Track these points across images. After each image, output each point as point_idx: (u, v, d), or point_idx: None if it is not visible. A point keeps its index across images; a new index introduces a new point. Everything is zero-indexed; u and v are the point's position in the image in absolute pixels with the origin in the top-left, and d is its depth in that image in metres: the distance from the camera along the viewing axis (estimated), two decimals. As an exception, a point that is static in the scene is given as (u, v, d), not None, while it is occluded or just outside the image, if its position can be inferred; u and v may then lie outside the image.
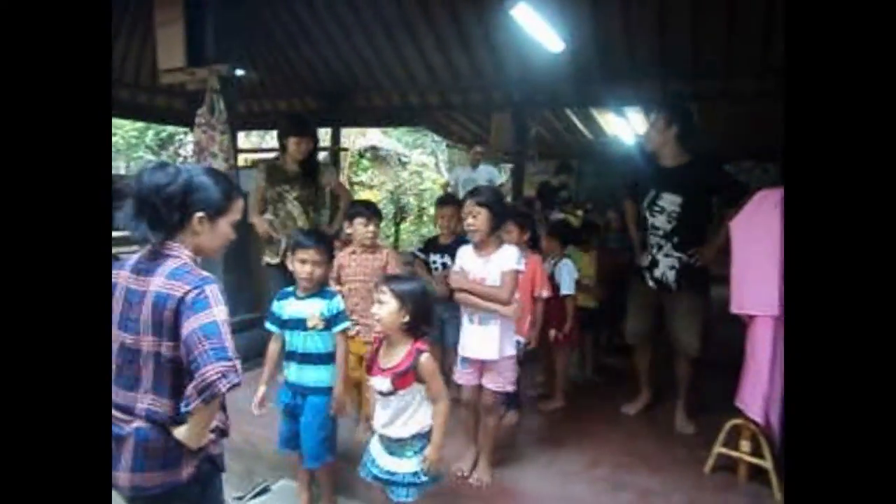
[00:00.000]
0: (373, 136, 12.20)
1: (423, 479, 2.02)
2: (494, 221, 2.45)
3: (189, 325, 1.29)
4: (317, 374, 2.45)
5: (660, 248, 3.18)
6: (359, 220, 3.00)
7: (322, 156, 4.10)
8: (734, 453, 2.70)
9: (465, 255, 2.57)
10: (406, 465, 2.02)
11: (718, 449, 2.74)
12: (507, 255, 2.45)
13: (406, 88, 7.75)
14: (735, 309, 2.61)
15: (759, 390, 2.51)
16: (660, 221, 3.16)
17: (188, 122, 8.78)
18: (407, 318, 1.97)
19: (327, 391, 2.45)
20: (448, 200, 3.66)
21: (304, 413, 2.43)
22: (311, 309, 2.43)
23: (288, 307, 2.47)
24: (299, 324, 2.44)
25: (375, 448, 2.11)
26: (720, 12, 5.33)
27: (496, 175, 6.15)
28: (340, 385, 2.46)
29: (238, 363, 1.31)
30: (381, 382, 2.00)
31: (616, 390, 3.80)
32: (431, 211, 11.20)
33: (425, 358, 1.97)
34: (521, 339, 2.85)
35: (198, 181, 1.43)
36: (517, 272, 2.43)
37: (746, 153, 9.12)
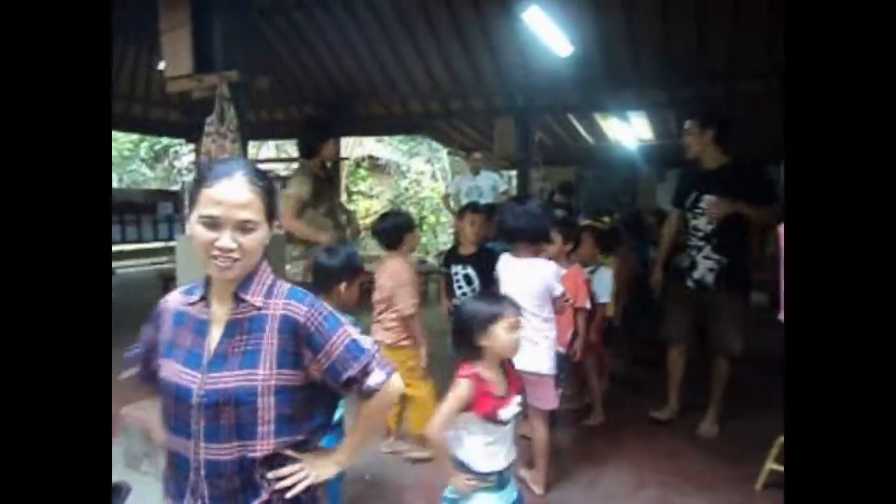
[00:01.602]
0: (369, 145, 12.08)
1: None
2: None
3: (336, 349, 1.25)
4: None
5: (699, 249, 3.18)
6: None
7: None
8: (788, 470, 2.57)
9: (505, 260, 2.54)
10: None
11: (771, 465, 2.61)
12: (543, 269, 2.40)
13: (407, 96, 7.65)
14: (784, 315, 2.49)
15: (816, 403, 2.39)
16: (701, 223, 3.16)
17: (183, 133, 8.75)
18: None
19: (329, 430, 2.21)
20: (478, 207, 3.53)
21: None
22: None
23: None
24: None
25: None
26: (723, 16, 5.29)
27: (499, 182, 6.04)
28: None
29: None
30: (511, 410, 1.78)
31: (647, 403, 3.66)
32: (432, 219, 11.08)
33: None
34: (562, 350, 2.72)
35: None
36: (551, 290, 2.37)
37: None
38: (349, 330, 1.18)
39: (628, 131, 8.51)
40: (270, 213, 1.15)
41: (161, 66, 3.50)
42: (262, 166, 4.06)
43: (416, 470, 2.76)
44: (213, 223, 1.09)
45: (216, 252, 1.09)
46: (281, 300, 1.16)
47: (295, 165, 11.14)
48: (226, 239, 1.08)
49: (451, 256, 3.53)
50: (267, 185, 1.15)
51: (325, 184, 3.57)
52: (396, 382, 1.23)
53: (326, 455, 1.26)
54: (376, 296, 2.86)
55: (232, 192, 1.09)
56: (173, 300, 1.25)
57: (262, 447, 1.12)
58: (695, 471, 2.82)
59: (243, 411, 1.11)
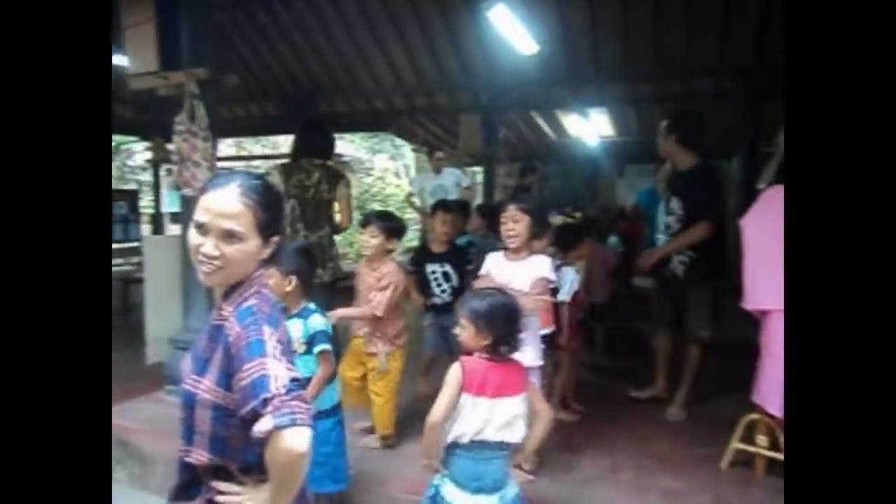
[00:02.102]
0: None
1: None
2: (534, 229, 2.43)
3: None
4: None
5: None
6: (367, 230, 2.88)
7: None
8: (751, 448, 2.73)
9: (494, 259, 2.55)
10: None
11: (735, 445, 2.77)
12: (540, 263, 2.43)
13: (371, 93, 7.62)
14: (749, 305, 2.63)
15: (778, 385, 2.54)
16: (671, 221, 3.40)
17: (138, 131, 8.46)
18: (486, 343, 1.79)
19: (321, 415, 2.25)
20: (450, 206, 3.58)
21: None
22: (293, 332, 2.21)
23: None
24: None
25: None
26: (680, 15, 5.49)
27: (462, 178, 6.12)
28: None
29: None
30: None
31: (618, 393, 3.81)
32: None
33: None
34: (546, 330, 2.77)
35: None
36: (548, 281, 2.40)
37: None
38: (267, 364, 1.04)
39: (589, 128, 8.71)
40: (264, 227, 1.17)
41: (119, 62, 3.39)
42: (220, 164, 3.94)
43: (400, 463, 2.80)
44: (201, 229, 1.13)
45: (201, 257, 1.13)
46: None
47: (256, 163, 10.95)
48: (209, 246, 1.12)
49: (424, 255, 3.56)
50: (262, 199, 1.16)
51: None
52: (289, 440, 1.00)
53: (264, 490, 1.14)
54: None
55: (222, 201, 1.13)
56: None
57: (197, 456, 1.18)
58: (665, 453, 2.96)
59: (189, 416, 1.18)
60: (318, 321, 2.28)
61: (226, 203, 1.12)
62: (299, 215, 3.57)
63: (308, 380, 2.23)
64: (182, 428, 1.21)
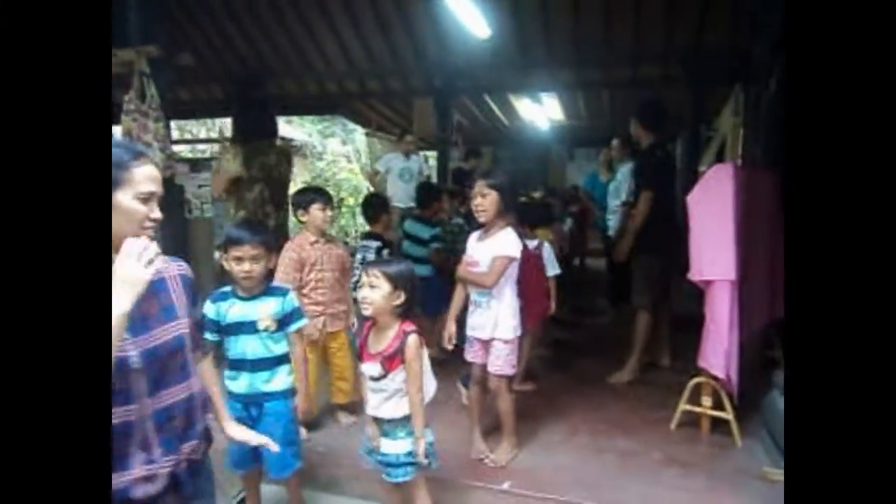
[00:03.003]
0: (281, 126, 11.65)
1: (418, 459, 2.01)
2: (503, 205, 2.48)
3: None
4: (274, 378, 2.23)
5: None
6: (316, 206, 2.89)
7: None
8: (697, 409, 2.94)
9: (472, 238, 2.64)
10: (399, 446, 2.02)
11: (683, 406, 2.97)
12: (503, 239, 2.48)
13: (322, 75, 7.49)
14: (694, 276, 2.82)
15: (720, 349, 2.74)
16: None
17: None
18: (400, 301, 1.95)
19: (287, 394, 2.27)
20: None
21: (263, 422, 2.19)
22: (263, 310, 2.20)
23: (230, 310, 2.19)
24: (247, 327, 2.19)
25: (370, 431, 2.09)
26: (628, 3, 5.67)
27: (423, 165, 6.15)
28: (303, 388, 2.33)
29: None
30: (371, 367, 1.98)
31: (572, 364, 4.00)
32: (350, 202, 10.97)
33: (412, 339, 1.95)
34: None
35: None
36: (509, 259, 2.46)
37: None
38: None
39: (540, 112, 8.88)
40: None
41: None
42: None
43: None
44: (150, 198, 1.21)
45: (149, 223, 1.21)
46: None
47: (201, 146, 10.57)
48: (157, 211, 1.23)
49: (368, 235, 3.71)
50: None
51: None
52: None
53: None
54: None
55: (156, 171, 1.25)
56: None
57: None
58: (619, 418, 3.14)
59: (163, 363, 1.33)
60: (295, 300, 2.31)
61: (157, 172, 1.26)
62: (268, 198, 3.55)
63: (277, 358, 2.25)
64: (147, 383, 1.24)
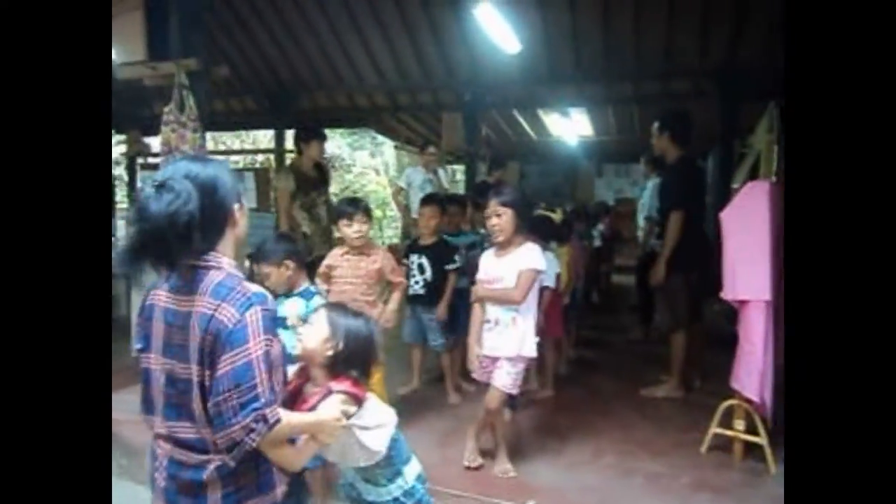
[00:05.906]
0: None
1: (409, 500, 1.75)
2: (519, 222, 2.46)
3: (222, 368, 1.15)
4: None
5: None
6: (342, 221, 2.91)
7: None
8: (729, 432, 2.84)
9: (486, 257, 2.60)
10: (385, 493, 1.73)
11: (715, 429, 2.88)
12: (527, 253, 2.45)
13: (353, 89, 7.62)
14: (728, 295, 2.75)
15: (754, 370, 2.66)
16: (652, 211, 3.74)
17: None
18: (330, 353, 1.54)
19: None
20: (431, 199, 3.64)
21: None
22: (290, 309, 2.34)
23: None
24: (278, 323, 2.35)
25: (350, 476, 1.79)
26: (660, 16, 5.62)
27: (444, 178, 6.13)
28: None
29: (271, 407, 1.17)
30: None
31: (598, 381, 3.93)
32: (378, 213, 11.05)
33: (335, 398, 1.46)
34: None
35: (213, 173, 1.24)
36: (536, 272, 2.43)
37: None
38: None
39: (569, 127, 8.84)
40: None
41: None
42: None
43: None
44: None
45: None
46: None
47: (234, 158, 10.82)
48: None
49: (412, 247, 3.66)
50: None
51: (308, 180, 3.74)
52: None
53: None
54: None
55: None
56: None
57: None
58: (647, 439, 3.06)
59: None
60: (321, 302, 2.34)
61: None
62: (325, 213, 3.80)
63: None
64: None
